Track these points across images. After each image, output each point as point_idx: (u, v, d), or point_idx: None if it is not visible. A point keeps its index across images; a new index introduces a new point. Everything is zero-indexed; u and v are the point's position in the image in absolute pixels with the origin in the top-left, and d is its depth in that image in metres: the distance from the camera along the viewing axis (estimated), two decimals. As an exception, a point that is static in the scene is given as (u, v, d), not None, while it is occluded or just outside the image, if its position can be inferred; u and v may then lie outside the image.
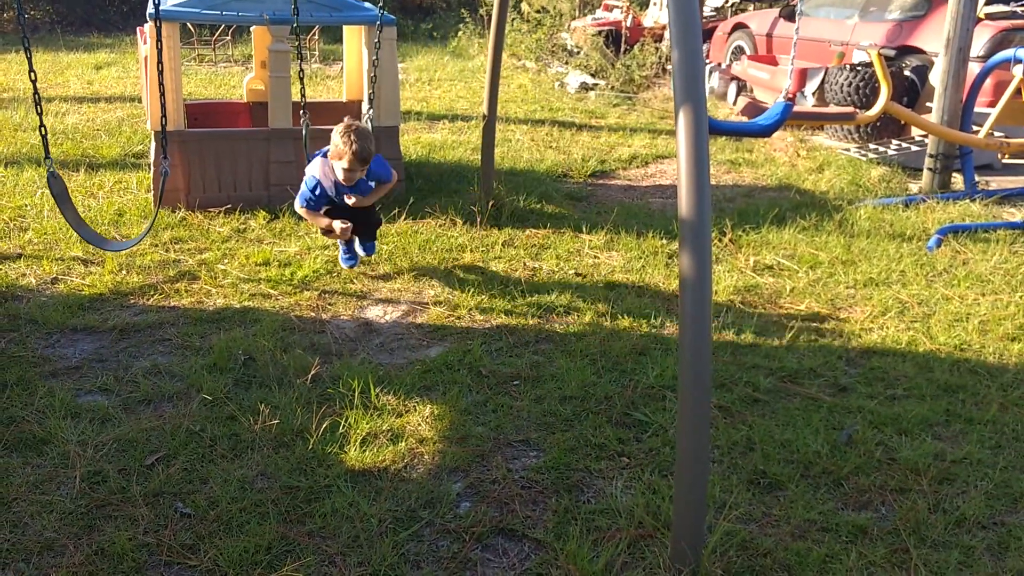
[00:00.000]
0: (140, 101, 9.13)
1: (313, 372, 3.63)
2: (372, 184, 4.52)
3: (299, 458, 3.06)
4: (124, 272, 4.70)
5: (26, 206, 5.71)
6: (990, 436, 3.32)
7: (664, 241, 5.45)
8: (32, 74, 3.58)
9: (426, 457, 3.12)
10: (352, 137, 4.14)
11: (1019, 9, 8.39)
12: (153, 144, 5.79)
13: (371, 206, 4.66)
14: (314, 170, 4.43)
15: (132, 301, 4.38)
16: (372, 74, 4.88)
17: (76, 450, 3.05)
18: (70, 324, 4.08)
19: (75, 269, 4.74)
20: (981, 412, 3.49)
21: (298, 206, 4.51)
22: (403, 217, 5.68)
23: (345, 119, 4.25)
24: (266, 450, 3.09)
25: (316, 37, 13.18)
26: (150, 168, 6.03)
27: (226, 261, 4.92)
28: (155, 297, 4.43)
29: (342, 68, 8.29)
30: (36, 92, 3.64)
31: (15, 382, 3.51)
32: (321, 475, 2.97)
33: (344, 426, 3.26)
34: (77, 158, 6.92)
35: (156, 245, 5.10)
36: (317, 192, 4.41)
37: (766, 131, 4.90)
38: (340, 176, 4.28)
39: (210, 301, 4.42)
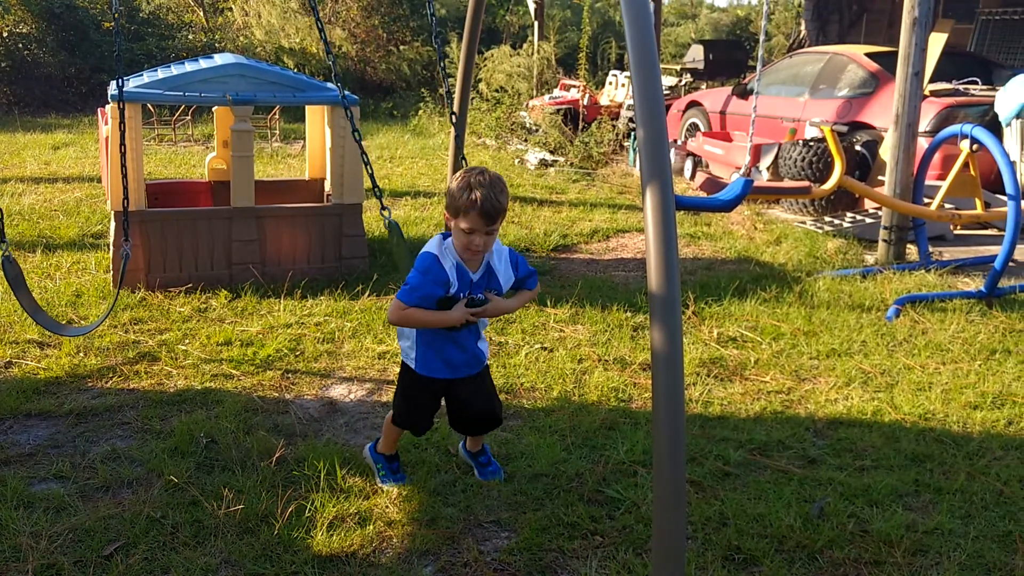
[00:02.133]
0: (99, 181, 9.07)
1: (277, 454, 3.55)
2: (509, 286, 3.18)
3: (264, 544, 2.96)
4: (81, 354, 4.60)
5: (-20, 288, 5.60)
6: (960, 506, 3.33)
7: (629, 314, 5.47)
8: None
9: (395, 540, 3.04)
10: (473, 182, 2.87)
11: (961, 87, 8.72)
12: (113, 224, 5.73)
13: (492, 389, 3.35)
14: (431, 246, 3.06)
15: (90, 384, 4.27)
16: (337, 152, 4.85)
17: (28, 542, 2.92)
18: (24, 409, 3.97)
19: (30, 352, 4.63)
20: (949, 482, 3.50)
21: (396, 309, 3.01)
22: (367, 293, 5.65)
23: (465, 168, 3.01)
24: (230, 536, 3.00)
25: (277, 116, 13.27)
26: (109, 248, 5.96)
27: (187, 341, 4.84)
28: (114, 379, 4.33)
29: (303, 146, 8.33)
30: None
31: (-34, 471, 3.38)
32: (287, 561, 2.88)
33: (310, 510, 3.18)
34: (34, 239, 6.83)
35: (115, 326, 5.00)
36: (429, 276, 2.99)
37: (727, 206, 4.96)
38: (460, 251, 3.00)
39: (171, 383, 4.33)
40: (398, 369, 4.57)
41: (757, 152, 8.75)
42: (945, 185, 6.49)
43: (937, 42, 8.07)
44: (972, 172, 6.41)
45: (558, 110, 13.31)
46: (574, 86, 14.61)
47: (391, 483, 3.37)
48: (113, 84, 5.45)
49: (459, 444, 3.56)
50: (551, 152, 12.18)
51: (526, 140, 13.20)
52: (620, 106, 13.88)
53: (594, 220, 8.29)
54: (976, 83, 8.95)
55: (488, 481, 3.40)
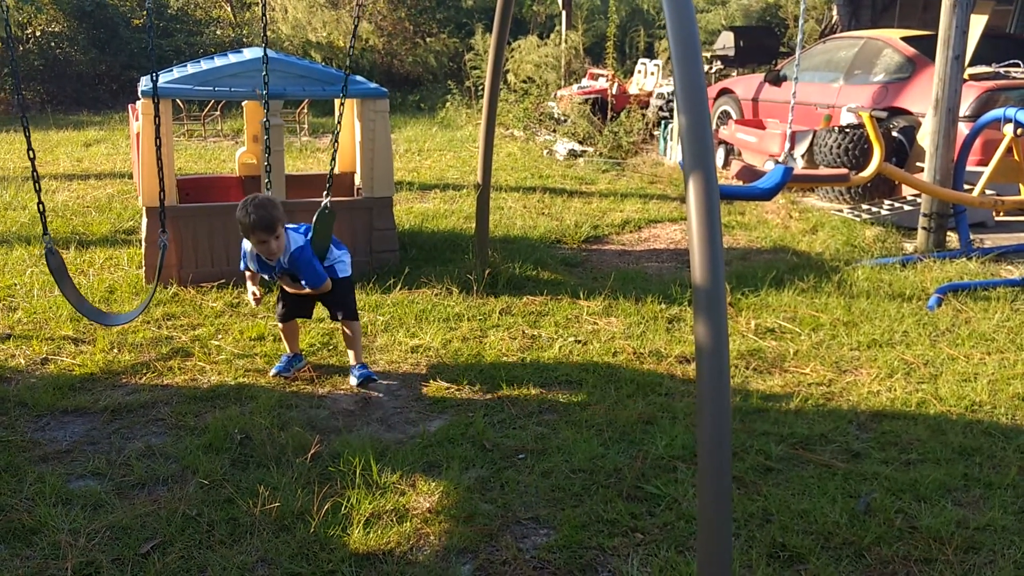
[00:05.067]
0: (130, 177, 9.12)
1: (312, 450, 3.52)
2: (306, 277, 4.16)
3: (300, 542, 2.93)
4: (115, 351, 4.60)
5: (15, 285, 5.63)
6: (1012, 501, 3.23)
7: (663, 306, 5.39)
8: (31, 152, 3.55)
9: (432, 538, 3.00)
10: (249, 208, 3.86)
11: (1002, 70, 8.52)
12: (145, 220, 5.74)
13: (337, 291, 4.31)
14: (245, 244, 4.16)
15: (124, 380, 4.27)
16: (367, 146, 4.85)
17: (67, 539, 2.92)
18: (60, 406, 3.97)
19: (65, 348, 4.64)
20: (1000, 476, 3.40)
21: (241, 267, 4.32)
22: (399, 287, 5.62)
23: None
24: (266, 534, 2.97)
25: (305, 111, 13.28)
26: (141, 244, 5.97)
27: (220, 337, 4.83)
28: (147, 375, 4.32)
29: (331, 140, 8.30)
30: (34, 170, 3.61)
31: (3, 468, 3.38)
32: (324, 560, 2.84)
33: (346, 507, 3.14)
34: (67, 235, 6.86)
35: (148, 322, 5.01)
36: (244, 261, 4.26)
37: (767, 194, 4.89)
38: (265, 257, 4.07)
39: (204, 378, 4.32)
40: (431, 363, 4.55)
41: (793, 139, 8.60)
42: (988, 171, 6.34)
43: (977, 24, 7.88)
44: (1016, 157, 6.26)
45: (586, 100, 13.20)
46: (603, 75, 14.49)
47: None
48: (144, 80, 5.44)
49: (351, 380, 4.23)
50: (580, 142, 12.08)
51: (555, 131, 13.10)
52: (649, 95, 13.73)
53: (625, 210, 8.21)
54: (1017, 66, 8.72)
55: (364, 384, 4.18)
